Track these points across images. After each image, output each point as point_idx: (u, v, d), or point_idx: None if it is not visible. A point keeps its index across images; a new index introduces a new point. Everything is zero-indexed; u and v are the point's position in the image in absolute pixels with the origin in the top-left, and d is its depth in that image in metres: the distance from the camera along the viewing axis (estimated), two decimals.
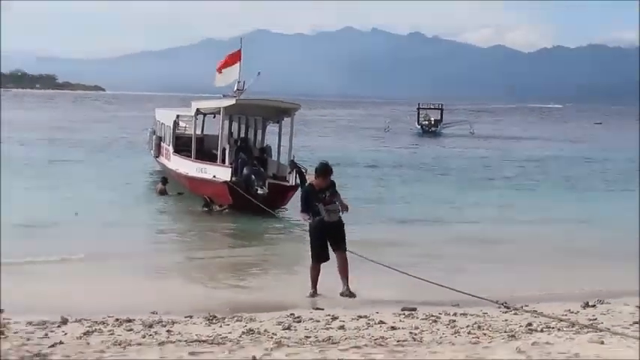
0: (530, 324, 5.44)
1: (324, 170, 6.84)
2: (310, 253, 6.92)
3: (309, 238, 7.00)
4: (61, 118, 52.44)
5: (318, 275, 6.89)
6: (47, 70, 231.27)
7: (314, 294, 6.87)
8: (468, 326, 5.43)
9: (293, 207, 11.78)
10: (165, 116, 17.73)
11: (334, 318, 5.73)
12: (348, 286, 6.75)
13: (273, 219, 12.21)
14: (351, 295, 6.70)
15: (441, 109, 48.97)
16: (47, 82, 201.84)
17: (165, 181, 14.99)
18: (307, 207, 6.77)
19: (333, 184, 6.92)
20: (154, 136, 18.13)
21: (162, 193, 14.70)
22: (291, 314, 5.86)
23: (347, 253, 6.85)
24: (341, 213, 6.88)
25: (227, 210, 12.93)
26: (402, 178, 20.98)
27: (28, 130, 34.60)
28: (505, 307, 5.91)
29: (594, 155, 31.08)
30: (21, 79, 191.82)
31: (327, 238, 6.79)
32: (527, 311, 5.94)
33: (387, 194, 17.03)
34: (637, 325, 5.36)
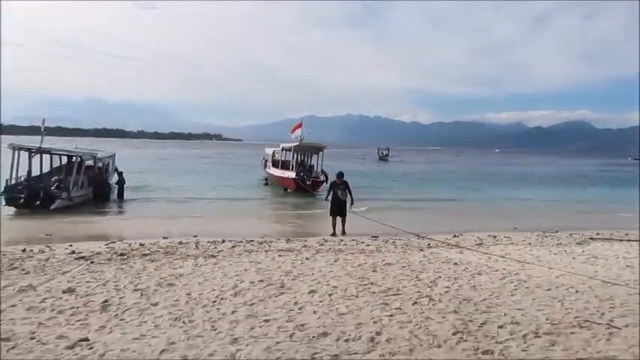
0: (429, 244, 11.38)
1: (340, 174, 13.57)
2: (330, 212, 13.64)
3: (329, 206, 13.74)
4: (214, 153, 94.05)
5: (335, 223, 13.49)
6: (214, 131, 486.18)
7: (334, 233, 13.24)
8: (401, 245, 11.38)
9: (323, 190, 22.58)
10: (268, 151, 33.97)
11: (341, 240, 11.74)
12: (343, 229, 13.39)
13: (313, 197, 23.88)
14: (344, 234, 13.23)
15: (388, 149, 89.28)
16: (215, 138, 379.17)
17: (267, 181, 30.70)
18: (330, 190, 13.78)
19: (345, 182, 13.58)
20: (263, 160, 35.52)
21: (265, 184, 30.44)
22: (323, 239, 12.04)
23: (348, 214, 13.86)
24: (347, 198, 13.54)
25: (291, 191, 25.71)
26: (375, 178, 40.17)
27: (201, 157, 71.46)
28: (418, 236, 12.00)
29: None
30: (205, 136, 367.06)
31: (338, 207, 13.45)
32: (428, 238, 11.97)
33: (370, 187, 30.65)
34: (479, 245, 11.22)
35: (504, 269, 8.88)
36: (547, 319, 6.05)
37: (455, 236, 13.03)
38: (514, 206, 23.29)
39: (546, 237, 13.15)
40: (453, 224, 15.51)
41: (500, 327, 5.76)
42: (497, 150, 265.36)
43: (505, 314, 6.26)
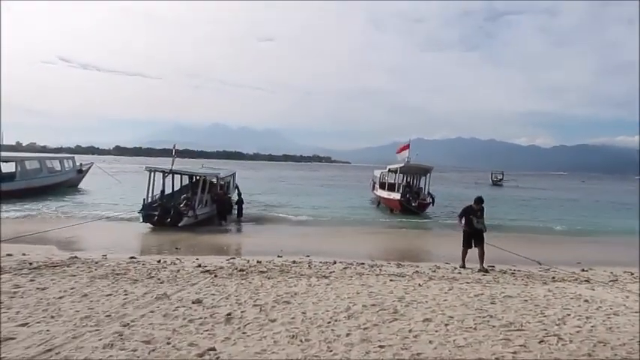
0: (554, 277, 10.44)
1: (480, 200, 11.65)
2: (462, 242, 11.81)
3: (461, 235, 12.05)
4: (325, 175, 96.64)
5: (466, 253, 11.76)
6: (324, 154, 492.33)
7: (463, 265, 11.71)
8: (522, 277, 10.62)
9: (432, 213, 26.33)
10: (377, 173, 34.65)
11: (455, 269, 11.45)
12: (482, 265, 11.33)
13: (420, 217, 24.45)
14: (485, 270, 11.16)
15: (502, 173, 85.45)
16: (325, 160, 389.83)
17: (378, 203, 30.50)
18: (462, 216, 11.75)
19: (483, 208, 11.66)
20: (372, 182, 36.39)
21: (377, 206, 30.22)
22: (435, 265, 11.99)
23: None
24: (483, 227, 11.68)
25: (397, 212, 25.77)
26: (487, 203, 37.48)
27: (313, 179, 74.23)
28: (539, 263, 11.23)
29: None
30: (316, 159, 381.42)
31: (472, 238, 11.63)
32: (552, 270, 11.01)
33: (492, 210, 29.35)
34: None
35: None
36: None
37: (584, 270, 11.86)
38: None
39: None
40: (579, 256, 14.14)
41: None
42: (637, 177, 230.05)
43: None
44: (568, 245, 18.02)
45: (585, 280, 10.43)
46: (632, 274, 11.81)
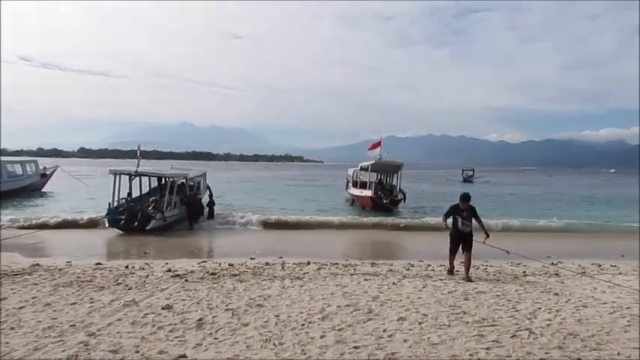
0: (524, 272, 10.66)
1: (466, 197, 9.78)
2: (449, 247, 10.05)
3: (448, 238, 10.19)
4: (298, 175, 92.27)
5: (453, 259, 10.19)
6: (296, 153, 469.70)
7: (451, 270, 10.30)
8: (494, 272, 10.81)
9: (403, 208, 27.14)
10: (350, 171, 33.22)
11: (428, 266, 11.43)
12: (467, 274, 9.81)
13: (392, 214, 24.80)
14: (469, 280, 9.68)
15: (473, 170, 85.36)
16: (297, 159, 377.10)
17: (352, 201, 30.28)
18: (447, 216, 9.88)
19: (472, 208, 9.82)
20: (346, 181, 35.23)
21: (351, 204, 29.94)
22: (409, 263, 11.83)
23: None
24: (470, 229, 9.87)
25: (368, 209, 26.08)
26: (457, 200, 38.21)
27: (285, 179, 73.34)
28: (507, 252, 11.26)
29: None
30: (288, 158, 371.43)
31: (460, 241, 9.88)
32: (523, 265, 11.23)
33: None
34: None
35: (614, 302, 8.09)
36: None
37: (553, 264, 12.15)
38: (623, 232, 21.27)
39: None
40: (549, 249, 14.49)
41: None
42: (612, 170, 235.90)
43: (619, 353, 5.67)
44: (537, 238, 18.46)
45: (555, 274, 10.68)
46: (600, 265, 12.16)
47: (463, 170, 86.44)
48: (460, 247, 10.03)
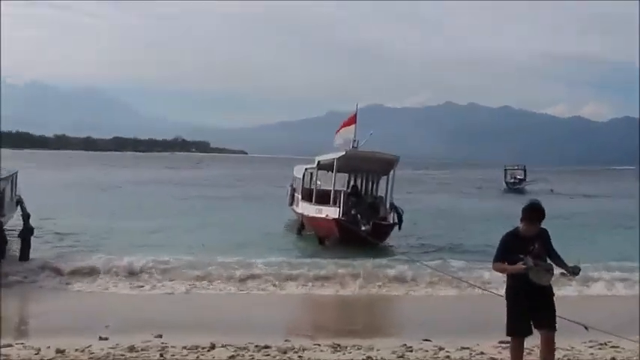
0: None
1: (532, 209, 4.86)
2: (507, 321, 4.99)
3: (505, 302, 5.06)
4: (193, 177, 59.42)
5: (520, 352, 5.03)
6: (202, 138, 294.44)
7: None
8: None
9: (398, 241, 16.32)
10: (299, 172, 21.76)
11: (441, 348, 6.53)
12: None
13: (376, 252, 13.88)
14: None
15: (524, 170, 54.88)
16: (202, 146, 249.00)
17: (301, 226, 18.41)
18: (501, 258, 4.99)
19: (545, 233, 5.04)
20: (291, 188, 21.88)
21: (299, 232, 18.33)
22: (404, 345, 6.50)
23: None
24: (550, 276, 4.94)
25: (330, 244, 15.99)
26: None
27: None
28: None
29: None
30: (181, 145, 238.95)
31: (531, 306, 4.92)
32: None
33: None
34: None
35: None
36: None
37: None
38: None
39: None
40: None
41: None
42: None
43: None
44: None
45: None
46: None
47: (507, 170, 55.09)
48: (532, 320, 4.95)
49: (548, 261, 4.93)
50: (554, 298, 4.99)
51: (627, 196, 43.12)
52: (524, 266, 4.77)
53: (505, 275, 5.12)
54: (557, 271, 4.98)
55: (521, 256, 4.81)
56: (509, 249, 4.90)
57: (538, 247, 4.88)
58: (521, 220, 4.92)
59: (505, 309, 4.98)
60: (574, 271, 4.97)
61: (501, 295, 5.37)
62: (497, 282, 10.40)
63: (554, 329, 4.92)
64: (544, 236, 4.97)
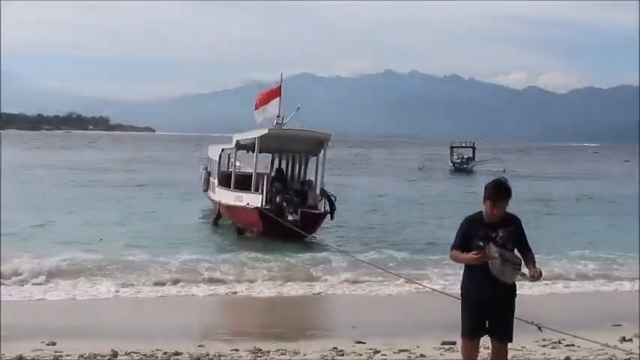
0: None
1: (498, 187, 4.05)
2: (462, 321, 4.18)
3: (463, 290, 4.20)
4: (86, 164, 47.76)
5: (472, 352, 4.19)
6: (101, 113, 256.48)
7: None
8: None
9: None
10: (214, 152, 19.69)
11: (376, 351, 5.90)
12: None
13: (304, 246, 12.85)
14: None
15: (473, 148, 49.97)
16: (100, 123, 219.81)
17: (217, 216, 16.44)
18: (459, 246, 4.14)
19: (515, 220, 4.18)
20: (205, 171, 20.00)
21: (215, 223, 16.35)
22: (335, 348, 5.94)
23: None
24: (516, 270, 3.99)
25: (253, 235, 14.45)
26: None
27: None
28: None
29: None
30: (76, 121, 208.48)
31: (486, 307, 4.07)
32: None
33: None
34: None
35: None
36: None
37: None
38: None
39: None
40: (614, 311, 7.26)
41: None
42: None
43: None
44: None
45: None
46: None
47: (453, 148, 49.44)
48: (487, 323, 4.07)
49: (517, 254, 4.04)
50: (515, 298, 4.04)
51: (590, 177, 41.76)
52: (482, 255, 3.92)
53: (458, 259, 4.14)
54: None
55: (481, 244, 3.98)
56: (470, 235, 4.07)
57: (504, 236, 4.04)
58: (484, 200, 4.09)
59: (461, 305, 4.13)
60: (535, 277, 4.07)
61: (443, 292, 4.67)
62: (439, 277, 9.85)
63: (509, 339, 4.13)
64: (514, 224, 4.13)
